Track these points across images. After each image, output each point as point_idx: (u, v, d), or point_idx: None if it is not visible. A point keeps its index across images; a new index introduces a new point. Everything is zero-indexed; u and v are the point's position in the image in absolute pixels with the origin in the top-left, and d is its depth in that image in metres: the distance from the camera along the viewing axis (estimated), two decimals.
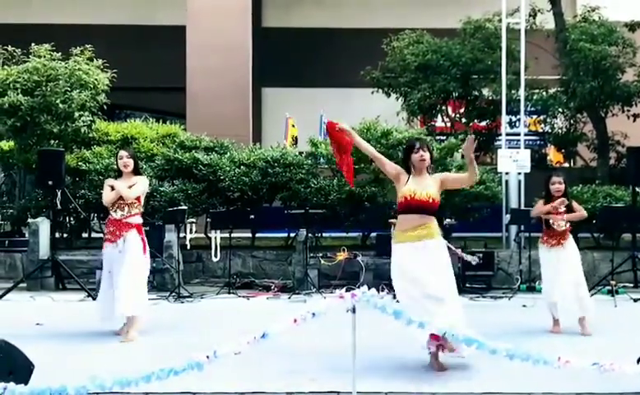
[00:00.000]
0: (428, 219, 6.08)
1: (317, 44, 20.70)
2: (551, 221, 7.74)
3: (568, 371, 4.32)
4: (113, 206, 7.62)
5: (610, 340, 7.44)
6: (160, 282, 10.79)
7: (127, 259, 7.45)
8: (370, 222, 12.38)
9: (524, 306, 9.68)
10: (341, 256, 11.03)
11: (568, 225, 7.76)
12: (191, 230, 11.78)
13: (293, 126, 16.39)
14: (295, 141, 16.16)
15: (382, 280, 10.09)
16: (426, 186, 6.12)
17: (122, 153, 7.81)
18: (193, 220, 11.79)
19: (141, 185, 7.74)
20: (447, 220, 11.13)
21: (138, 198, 7.67)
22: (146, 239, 7.73)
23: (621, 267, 10.96)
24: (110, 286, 7.55)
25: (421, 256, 6.01)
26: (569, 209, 7.79)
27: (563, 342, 7.12)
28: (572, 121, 15.94)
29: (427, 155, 6.17)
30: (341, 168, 6.76)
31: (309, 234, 11.07)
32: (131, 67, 17.35)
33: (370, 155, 6.47)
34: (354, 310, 4.60)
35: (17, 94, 11.99)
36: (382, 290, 9.07)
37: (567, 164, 19.39)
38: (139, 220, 7.68)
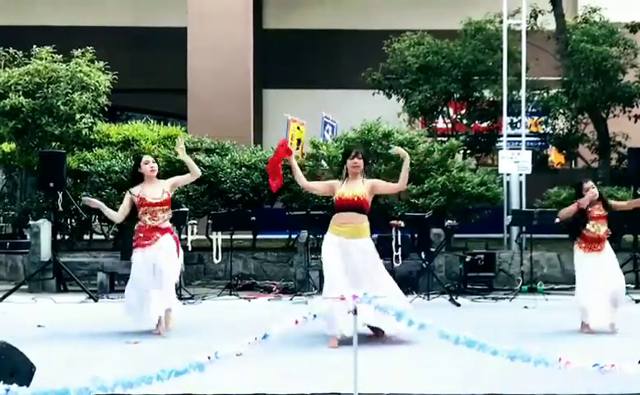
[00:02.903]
0: (357, 217, 7.03)
1: (318, 45, 20.68)
2: (588, 226, 7.71)
3: (569, 372, 4.32)
4: (145, 214, 7.54)
5: (612, 341, 7.44)
6: None
7: (165, 261, 7.49)
8: (371, 223, 12.33)
9: (525, 307, 9.69)
10: None
11: (604, 230, 7.73)
12: (192, 231, 11.77)
13: (298, 128, 16.33)
14: (298, 143, 16.10)
15: None
16: (354, 188, 7.06)
17: (149, 158, 7.77)
18: (194, 221, 11.78)
19: (171, 180, 7.87)
20: (449, 221, 11.11)
21: (169, 202, 7.66)
22: (178, 240, 7.86)
23: (623, 267, 10.94)
24: (141, 290, 7.50)
25: (347, 253, 6.97)
26: (606, 210, 7.77)
27: (564, 343, 7.12)
28: (573, 122, 15.90)
29: (360, 162, 7.12)
30: (272, 176, 7.63)
31: (311, 236, 11.06)
32: (132, 68, 17.40)
33: (307, 187, 7.59)
34: (355, 311, 4.60)
35: (18, 96, 12.02)
36: None
37: (568, 166, 19.37)
38: (169, 224, 7.70)
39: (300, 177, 7.41)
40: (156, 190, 7.61)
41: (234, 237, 11.14)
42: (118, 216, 7.84)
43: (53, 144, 12.35)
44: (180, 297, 9.92)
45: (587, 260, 7.72)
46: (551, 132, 16.46)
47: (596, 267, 7.67)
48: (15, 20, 19.83)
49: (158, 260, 7.48)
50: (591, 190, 7.72)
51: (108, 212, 7.87)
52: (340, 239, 7.00)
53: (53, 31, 17.07)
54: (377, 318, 6.42)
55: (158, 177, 7.75)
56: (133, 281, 7.64)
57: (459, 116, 16.44)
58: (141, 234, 7.57)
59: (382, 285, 6.93)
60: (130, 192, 7.70)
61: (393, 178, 11.67)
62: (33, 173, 12.57)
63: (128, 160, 12.19)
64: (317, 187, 7.76)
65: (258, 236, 12.88)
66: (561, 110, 15.29)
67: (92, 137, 12.90)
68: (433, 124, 16.36)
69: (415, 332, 6.51)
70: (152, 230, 7.54)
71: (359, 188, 7.07)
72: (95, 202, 7.90)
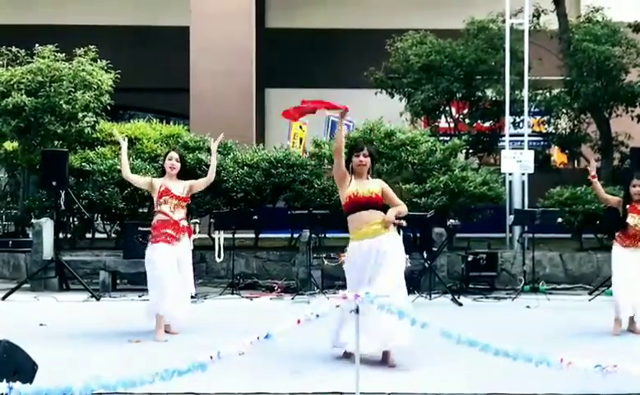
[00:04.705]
0: (377, 214, 6.38)
1: (321, 44, 20.68)
2: (628, 220, 7.71)
3: (571, 372, 4.32)
4: (166, 204, 7.57)
5: (614, 341, 7.44)
6: None
7: (181, 270, 7.57)
8: None
9: (527, 307, 9.69)
10: (345, 256, 11.00)
11: None
12: (194, 230, 11.78)
13: (300, 128, 16.32)
14: (300, 142, 16.09)
15: None
16: (367, 184, 6.47)
17: (173, 154, 7.80)
18: (197, 220, 11.76)
19: (189, 181, 7.87)
20: (451, 221, 11.11)
21: (188, 199, 7.75)
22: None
23: None
24: (169, 282, 7.47)
25: (374, 253, 6.30)
26: None
27: (566, 343, 7.11)
28: (575, 122, 15.88)
29: (366, 161, 6.49)
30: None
31: (313, 235, 11.07)
32: (134, 67, 17.40)
33: (338, 150, 6.52)
34: (357, 311, 4.60)
35: (21, 95, 12.02)
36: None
37: (571, 165, 19.34)
38: (186, 223, 7.77)
39: (340, 141, 6.53)
40: (178, 186, 7.69)
41: (236, 236, 11.15)
42: (127, 171, 7.87)
43: (56, 143, 12.35)
44: None
45: (624, 255, 7.74)
46: (554, 131, 16.45)
47: (633, 261, 7.67)
48: (17, 19, 19.84)
49: (182, 258, 7.61)
50: (638, 188, 7.72)
51: (125, 159, 7.90)
52: (367, 241, 6.35)
53: (55, 30, 17.07)
54: (373, 341, 6.11)
55: (178, 177, 7.77)
56: (158, 276, 7.48)
57: (461, 115, 16.44)
58: (164, 230, 7.52)
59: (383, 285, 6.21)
60: (153, 179, 7.91)
61: (394, 177, 11.81)
62: (35, 171, 12.59)
63: (131, 158, 12.19)
64: (339, 163, 6.55)
65: (260, 235, 12.87)
66: (564, 110, 15.28)
67: (95, 135, 12.90)
68: (436, 124, 16.36)
69: (414, 345, 6.20)
70: (176, 225, 7.56)
71: (371, 184, 6.52)
72: (123, 145, 7.96)
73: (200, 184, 8.05)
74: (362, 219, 6.39)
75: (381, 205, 6.49)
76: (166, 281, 7.44)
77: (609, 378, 4.27)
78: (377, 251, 6.32)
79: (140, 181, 8.11)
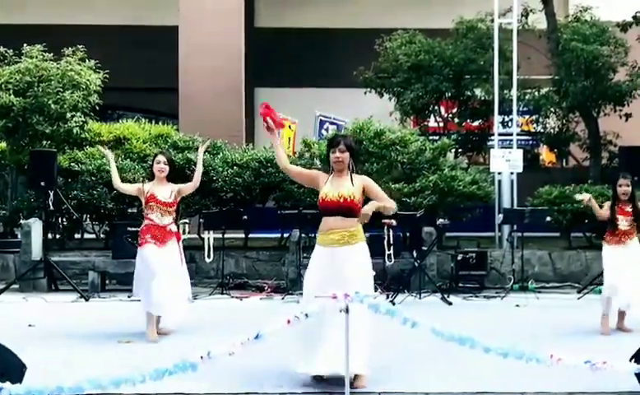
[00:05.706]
0: (345, 221, 5.67)
1: (310, 44, 20.68)
2: (616, 222, 7.74)
3: (561, 369, 4.34)
4: (153, 210, 7.52)
5: (603, 339, 7.48)
6: None
7: (172, 270, 7.49)
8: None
9: (517, 306, 9.72)
10: None
11: (630, 225, 7.76)
12: (184, 230, 11.76)
13: (289, 127, 16.28)
14: (288, 142, 16.05)
15: (375, 280, 10.07)
16: (341, 186, 5.73)
17: (161, 158, 7.71)
18: (186, 220, 11.76)
19: (178, 186, 7.76)
20: (440, 220, 11.14)
21: (175, 204, 7.66)
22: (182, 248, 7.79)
23: None
24: (162, 278, 7.39)
25: (334, 264, 5.63)
26: (635, 211, 7.77)
27: (555, 341, 7.14)
28: (564, 121, 15.96)
29: (344, 156, 5.75)
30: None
31: (303, 235, 11.06)
32: (123, 67, 17.29)
33: (282, 168, 6.06)
34: (347, 310, 4.60)
35: (9, 95, 11.97)
36: (376, 290, 9.06)
37: (559, 164, 19.43)
38: (175, 227, 7.70)
39: (281, 156, 5.99)
40: (165, 191, 7.61)
41: (225, 236, 11.13)
42: (118, 181, 7.94)
43: (44, 143, 12.31)
44: None
45: (615, 252, 7.77)
46: (542, 130, 16.54)
47: (623, 258, 7.70)
48: (5, 18, 19.73)
49: (172, 259, 7.53)
50: (625, 188, 7.75)
51: (114, 169, 7.93)
52: (327, 249, 5.69)
53: (43, 29, 16.97)
54: (334, 364, 5.30)
55: (168, 179, 7.70)
56: (151, 276, 7.38)
57: (450, 115, 16.49)
58: (151, 233, 7.48)
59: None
60: (142, 184, 7.86)
61: (385, 177, 11.83)
62: (24, 172, 12.52)
63: (119, 158, 12.16)
64: (297, 174, 6.21)
65: (250, 235, 12.86)
66: (552, 109, 15.36)
67: (83, 135, 12.85)
68: (425, 123, 16.40)
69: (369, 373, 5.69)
70: (162, 230, 7.51)
71: (346, 186, 5.71)
72: (108, 156, 8.14)
73: (187, 189, 7.90)
74: (327, 224, 5.74)
75: (355, 210, 5.71)
76: (158, 276, 7.37)
77: (598, 375, 4.30)
78: (335, 263, 5.64)
79: (129, 189, 8.02)
